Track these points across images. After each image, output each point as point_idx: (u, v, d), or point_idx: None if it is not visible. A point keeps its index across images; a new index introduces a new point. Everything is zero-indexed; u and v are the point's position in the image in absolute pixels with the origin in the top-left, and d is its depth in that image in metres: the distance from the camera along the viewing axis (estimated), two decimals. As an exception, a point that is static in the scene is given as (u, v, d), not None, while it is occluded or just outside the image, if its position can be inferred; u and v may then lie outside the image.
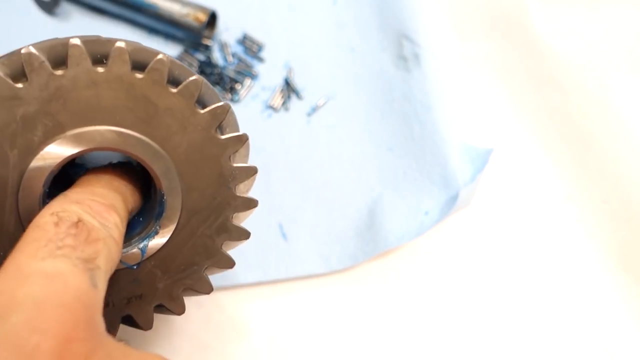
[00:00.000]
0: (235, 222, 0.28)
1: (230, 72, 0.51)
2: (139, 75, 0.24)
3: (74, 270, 0.21)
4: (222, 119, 0.26)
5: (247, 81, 0.51)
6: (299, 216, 0.47)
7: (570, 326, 0.48)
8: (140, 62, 0.24)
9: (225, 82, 0.50)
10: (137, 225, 0.28)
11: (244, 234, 0.28)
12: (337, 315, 0.46)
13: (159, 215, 0.27)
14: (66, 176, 0.29)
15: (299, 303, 0.46)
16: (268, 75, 0.51)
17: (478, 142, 0.49)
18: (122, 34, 0.52)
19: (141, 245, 0.27)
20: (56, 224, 0.22)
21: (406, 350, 0.46)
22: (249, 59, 0.52)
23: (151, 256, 0.27)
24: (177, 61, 0.25)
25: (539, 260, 0.49)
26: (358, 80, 0.51)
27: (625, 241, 0.50)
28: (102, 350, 0.20)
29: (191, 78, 0.25)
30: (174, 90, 0.25)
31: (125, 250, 0.27)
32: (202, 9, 0.50)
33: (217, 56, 0.52)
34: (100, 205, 0.24)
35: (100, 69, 0.24)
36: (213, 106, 0.26)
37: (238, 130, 0.27)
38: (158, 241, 0.27)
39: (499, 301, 0.48)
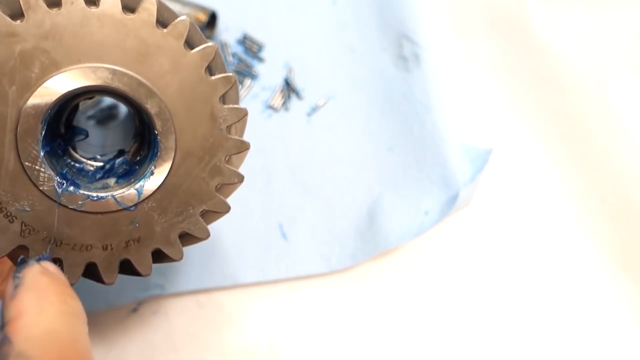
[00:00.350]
0: (230, 165, 0.29)
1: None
2: (130, 15, 0.25)
3: None
4: (211, 58, 0.27)
5: (247, 81, 0.51)
6: (299, 216, 0.47)
7: (570, 326, 0.48)
8: (130, 3, 0.25)
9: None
10: (133, 168, 0.29)
11: (238, 177, 0.29)
12: (337, 315, 0.46)
13: (154, 155, 0.27)
14: (67, 119, 0.30)
15: (299, 303, 0.46)
16: (268, 75, 0.52)
17: (478, 142, 0.49)
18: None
19: (137, 186, 0.27)
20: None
21: (406, 349, 0.46)
22: (249, 59, 0.52)
23: (148, 198, 0.27)
24: (165, 4, 0.26)
25: (538, 260, 0.49)
26: (358, 81, 0.51)
27: (625, 241, 0.50)
28: None
29: (179, 18, 0.26)
30: (164, 30, 0.26)
31: (122, 191, 0.27)
32: (202, 9, 0.50)
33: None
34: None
35: (93, 8, 0.25)
36: (202, 46, 0.26)
37: (226, 72, 0.28)
38: (154, 182, 0.27)
39: (498, 301, 0.48)
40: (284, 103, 0.51)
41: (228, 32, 0.53)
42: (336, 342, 0.46)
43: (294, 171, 0.49)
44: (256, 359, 0.44)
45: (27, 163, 0.26)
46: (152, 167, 0.27)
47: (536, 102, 0.52)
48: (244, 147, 0.28)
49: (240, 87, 0.51)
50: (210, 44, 0.26)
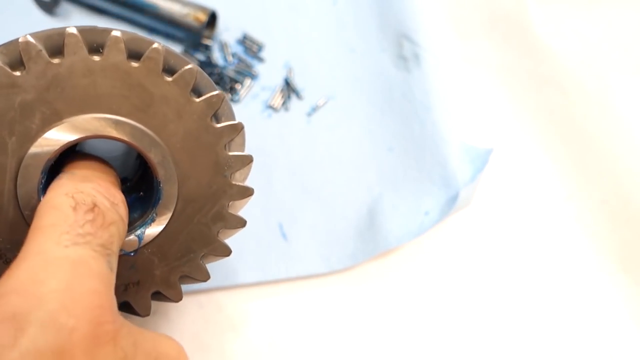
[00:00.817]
0: (232, 210, 0.29)
1: (230, 72, 0.51)
2: (134, 64, 0.25)
3: (95, 256, 0.22)
4: (217, 107, 0.26)
5: (247, 81, 0.51)
6: (299, 216, 0.47)
7: (570, 326, 0.48)
8: (136, 51, 0.25)
9: (225, 82, 0.50)
10: (134, 213, 0.29)
11: (240, 222, 0.29)
12: (337, 315, 0.46)
13: (156, 202, 0.27)
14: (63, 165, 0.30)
15: (299, 303, 0.46)
16: (268, 75, 0.51)
17: (478, 142, 0.49)
18: (122, 34, 0.52)
19: (138, 233, 0.27)
20: (74, 208, 0.22)
21: (406, 350, 0.46)
22: (249, 59, 0.52)
23: (148, 243, 0.28)
24: (172, 50, 0.26)
25: (538, 260, 0.49)
26: (358, 81, 0.51)
27: (625, 241, 0.50)
28: (123, 329, 0.21)
29: (186, 67, 0.25)
30: (169, 78, 0.25)
31: None
32: (202, 8, 0.50)
33: (217, 56, 0.52)
34: (107, 183, 0.25)
35: (97, 58, 0.24)
36: (208, 95, 0.26)
37: (234, 119, 0.28)
38: (155, 229, 0.27)
39: (498, 301, 0.48)
40: (284, 103, 0.51)
41: (228, 32, 0.53)
42: (336, 342, 0.45)
43: (294, 171, 0.49)
44: (256, 359, 0.44)
45: (26, 212, 0.25)
46: (154, 214, 0.27)
47: (536, 102, 0.52)
48: (247, 193, 0.28)
49: (240, 87, 0.51)
50: (216, 92, 0.26)
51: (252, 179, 0.48)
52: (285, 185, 0.48)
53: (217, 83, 0.51)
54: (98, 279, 0.21)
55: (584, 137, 0.51)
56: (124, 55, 0.24)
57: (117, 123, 0.25)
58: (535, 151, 0.52)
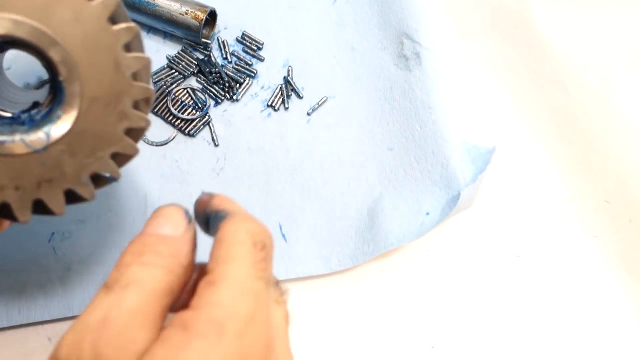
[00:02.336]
0: (137, 110, 0.30)
1: (229, 70, 0.51)
2: None
3: (265, 290, 0.27)
4: (112, 9, 0.28)
5: (247, 80, 0.51)
6: (299, 216, 0.47)
7: (573, 326, 0.48)
8: None
9: (224, 80, 0.50)
10: (44, 115, 0.30)
11: (143, 120, 0.31)
12: (337, 316, 0.46)
13: (60, 101, 0.29)
14: None
15: (299, 304, 0.46)
16: (267, 74, 0.51)
17: (480, 142, 0.48)
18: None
19: (45, 130, 0.29)
20: (254, 246, 0.27)
21: (407, 350, 0.46)
22: (248, 58, 0.51)
23: (57, 141, 0.29)
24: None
25: (540, 260, 0.49)
26: (358, 79, 0.51)
27: (628, 241, 0.49)
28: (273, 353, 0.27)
29: None
30: None
31: (31, 135, 0.29)
32: (201, 7, 0.49)
33: (216, 55, 0.51)
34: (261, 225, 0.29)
35: None
36: None
37: (129, 22, 0.30)
38: (62, 126, 0.29)
39: (500, 301, 0.48)
40: (283, 102, 0.50)
41: (227, 30, 0.52)
42: (336, 343, 0.45)
43: (293, 171, 0.48)
44: None
45: None
46: (59, 112, 0.29)
47: (538, 101, 0.52)
48: (148, 92, 0.30)
49: (239, 86, 0.50)
50: None
51: (251, 178, 0.48)
52: (285, 185, 0.48)
53: (216, 82, 0.50)
54: (267, 311, 0.27)
55: (586, 137, 0.51)
56: None
57: (16, 22, 0.26)
58: (537, 150, 0.52)
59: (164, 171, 0.48)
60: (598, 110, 0.51)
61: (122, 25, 0.28)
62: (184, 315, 0.25)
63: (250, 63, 0.51)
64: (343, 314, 0.46)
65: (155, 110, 0.49)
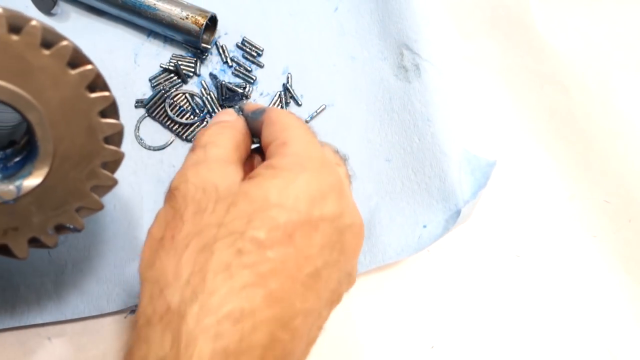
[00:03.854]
0: (105, 170, 0.33)
1: (228, 76, 0.51)
2: (14, 37, 0.28)
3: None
4: (90, 79, 0.30)
5: (246, 86, 0.50)
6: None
7: (573, 327, 0.48)
8: (15, 25, 0.28)
9: (223, 87, 0.50)
10: (17, 166, 0.32)
11: (111, 180, 0.33)
12: (337, 316, 0.46)
13: (33, 158, 0.31)
14: None
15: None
16: (267, 81, 0.51)
17: (480, 150, 0.48)
18: (120, 35, 0.52)
19: (17, 183, 0.31)
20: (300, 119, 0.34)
21: (407, 351, 0.46)
22: (248, 64, 0.51)
23: (27, 194, 0.31)
24: (50, 27, 0.29)
25: (539, 260, 0.49)
26: (357, 89, 0.50)
27: (628, 241, 0.50)
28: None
29: (63, 43, 0.29)
30: (47, 52, 0.29)
31: (3, 187, 0.31)
32: (202, 12, 0.49)
33: (215, 60, 0.51)
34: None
35: None
36: (82, 69, 0.30)
37: (108, 91, 0.31)
38: (32, 181, 0.31)
39: (500, 301, 0.48)
40: (282, 109, 0.50)
41: (227, 36, 0.52)
42: (336, 343, 0.45)
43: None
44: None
45: None
46: (31, 168, 0.31)
47: (538, 101, 0.52)
48: (117, 155, 0.33)
49: (240, 91, 0.50)
50: (89, 67, 0.30)
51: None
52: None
53: (215, 87, 0.50)
54: (332, 159, 0.33)
55: (586, 137, 0.51)
56: (4, 29, 0.27)
57: None
58: (537, 151, 0.52)
59: (160, 176, 0.48)
60: (598, 110, 0.51)
61: (99, 93, 0.31)
62: (268, 162, 0.30)
63: (249, 69, 0.51)
64: (343, 314, 0.46)
65: (154, 114, 0.49)
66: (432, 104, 0.48)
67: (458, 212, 0.44)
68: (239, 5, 0.52)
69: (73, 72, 0.30)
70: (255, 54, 0.51)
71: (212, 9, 0.50)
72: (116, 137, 0.33)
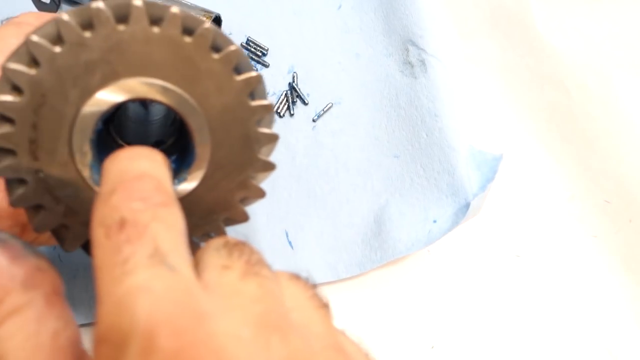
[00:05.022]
0: (254, 182, 0.32)
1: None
2: (187, 39, 0.27)
3: (150, 274, 0.20)
4: (254, 86, 0.29)
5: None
6: (305, 223, 0.47)
7: (573, 327, 0.48)
8: (189, 27, 0.27)
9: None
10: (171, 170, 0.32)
11: (260, 193, 0.32)
12: (344, 324, 0.46)
13: (189, 164, 0.30)
14: (116, 126, 0.33)
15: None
16: (272, 81, 0.51)
17: (485, 147, 0.49)
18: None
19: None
20: (107, 236, 0.21)
21: (406, 351, 0.46)
22: (253, 64, 0.51)
23: (179, 199, 0.30)
24: (221, 30, 0.28)
25: (540, 260, 0.49)
26: (364, 86, 0.51)
27: (628, 241, 0.50)
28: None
29: (231, 48, 0.28)
30: (216, 56, 0.28)
31: None
32: (206, 12, 0.49)
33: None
34: (132, 182, 0.24)
35: (156, 29, 0.27)
36: (247, 75, 0.28)
37: (266, 99, 0.30)
38: (185, 187, 0.30)
39: (500, 301, 0.48)
40: (288, 108, 0.50)
41: (232, 36, 0.52)
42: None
43: (299, 177, 0.48)
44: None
45: (77, 156, 0.28)
46: (186, 175, 0.30)
47: (538, 101, 0.52)
48: (269, 167, 0.31)
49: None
50: (255, 73, 0.29)
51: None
52: (291, 192, 0.48)
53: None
54: (164, 298, 0.19)
55: (586, 137, 0.51)
56: (179, 30, 0.27)
57: (165, 89, 0.28)
58: (537, 150, 0.52)
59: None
60: (598, 110, 0.51)
61: (259, 102, 0.29)
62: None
63: (255, 69, 0.51)
64: (350, 322, 0.46)
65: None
66: (439, 99, 0.48)
67: (467, 205, 0.44)
68: (243, 5, 0.52)
69: (238, 78, 0.28)
70: (260, 54, 0.51)
71: (216, 9, 0.50)
72: (270, 147, 0.32)
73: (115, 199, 0.23)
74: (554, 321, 0.48)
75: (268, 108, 0.29)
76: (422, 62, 0.49)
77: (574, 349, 0.47)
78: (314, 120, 0.50)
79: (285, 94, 0.50)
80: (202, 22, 0.27)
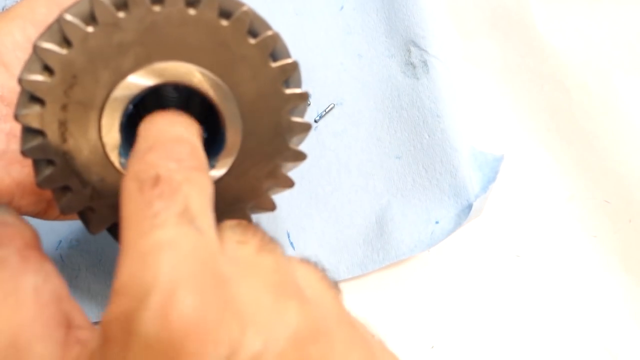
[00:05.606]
0: (283, 170, 0.31)
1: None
2: (224, 22, 0.26)
3: (178, 231, 0.20)
4: (290, 74, 0.28)
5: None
6: (307, 224, 0.47)
7: (573, 326, 0.48)
8: (226, 10, 0.26)
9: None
10: None
11: (289, 182, 0.31)
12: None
13: (218, 151, 0.29)
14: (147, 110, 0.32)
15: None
16: (274, 81, 0.51)
17: (486, 148, 0.49)
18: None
19: None
20: (140, 190, 0.21)
21: (406, 351, 0.46)
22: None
23: None
24: (258, 14, 0.27)
25: (539, 260, 0.50)
26: (365, 87, 0.51)
27: (628, 241, 0.50)
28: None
29: (269, 33, 0.27)
30: (253, 41, 0.27)
31: None
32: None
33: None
34: (169, 143, 0.24)
35: (192, 12, 0.26)
36: (284, 62, 0.28)
37: (300, 87, 0.30)
38: (214, 174, 0.29)
39: (500, 301, 0.48)
40: (290, 109, 0.50)
41: (234, 36, 0.52)
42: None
43: (301, 178, 0.48)
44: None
45: (105, 140, 0.28)
46: (213, 162, 0.29)
47: (538, 101, 0.52)
48: (300, 157, 0.31)
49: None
50: (291, 60, 0.28)
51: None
52: (293, 192, 0.48)
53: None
54: (190, 256, 0.19)
55: (586, 137, 0.51)
56: (215, 13, 0.26)
57: (200, 74, 0.27)
58: (537, 150, 0.52)
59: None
60: (598, 110, 0.51)
61: (294, 90, 0.29)
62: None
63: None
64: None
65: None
66: (441, 100, 0.48)
67: (470, 207, 0.45)
68: (244, 6, 0.52)
69: (274, 64, 0.28)
70: (262, 54, 0.51)
71: (218, 10, 0.50)
72: (301, 137, 0.31)
73: (151, 156, 0.23)
74: (554, 320, 0.48)
75: (303, 97, 0.29)
76: (424, 63, 0.49)
77: (573, 348, 0.48)
78: (315, 121, 0.50)
79: (287, 95, 0.50)
80: (241, 5, 0.26)
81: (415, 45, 0.50)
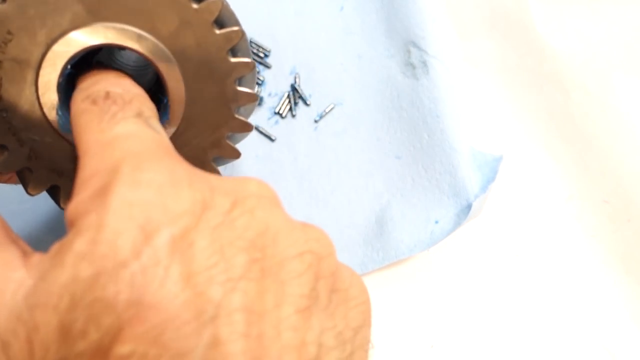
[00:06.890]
0: (231, 142, 0.31)
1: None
2: None
3: (137, 126, 0.22)
4: (235, 42, 0.28)
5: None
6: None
7: (572, 326, 0.48)
8: None
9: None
10: None
11: (234, 153, 0.31)
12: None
13: (161, 119, 0.29)
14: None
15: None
16: (274, 82, 0.51)
17: (485, 148, 0.49)
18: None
19: None
20: (94, 103, 0.23)
21: (406, 351, 0.46)
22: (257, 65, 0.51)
23: None
24: None
25: (538, 259, 0.50)
26: (365, 87, 0.51)
27: (627, 241, 0.50)
28: (197, 173, 0.22)
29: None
30: (196, 6, 0.26)
31: None
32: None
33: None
34: (112, 77, 0.26)
35: None
36: (228, 29, 0.27)
37: (249, 57, 0.29)
38: None
39: (499, 300, 0.48)
40: (290, 109, 0.50)
41: (234, 37, 0.52)
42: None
43: (301, 178, 0.48)
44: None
45: (43, 99, 0.27)
46: None
47: (537, 102, 0.52)
48: (247, 128, 0.30)
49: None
50: (236, 28, 0.27)
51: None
52: (293, 192, 0.48)
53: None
54: (151, 144, 0.21)
55: (585, 137, 0.51)
56: None
57: (140, 37, 0.26)
58: (536, 150, 0.52)
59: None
60: (597, 110, 0.51)
61: (241, 59, 0.28)
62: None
63: (257, 71, 0.51)
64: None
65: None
66: (440, 101, 0.48)
67: (469, 207, 0.45)
68: (244, 7, 0.53)
69: (219, 32, 0.27)
70: (262, 55, 0.52)
71: (218, 10, 0.50)
72: (249, 108, 0.31)
73: (98, 85, 0.24)
74: (553, 320, 0.48)
75: (249, 66, 0.28)
76: (424, 64, 0.49)
77: (573, 348, 0.48)
78: (315, 122, 0.50)
79: (288, 95, 0.51)
80: None
81: (415, 45, 0.50)
